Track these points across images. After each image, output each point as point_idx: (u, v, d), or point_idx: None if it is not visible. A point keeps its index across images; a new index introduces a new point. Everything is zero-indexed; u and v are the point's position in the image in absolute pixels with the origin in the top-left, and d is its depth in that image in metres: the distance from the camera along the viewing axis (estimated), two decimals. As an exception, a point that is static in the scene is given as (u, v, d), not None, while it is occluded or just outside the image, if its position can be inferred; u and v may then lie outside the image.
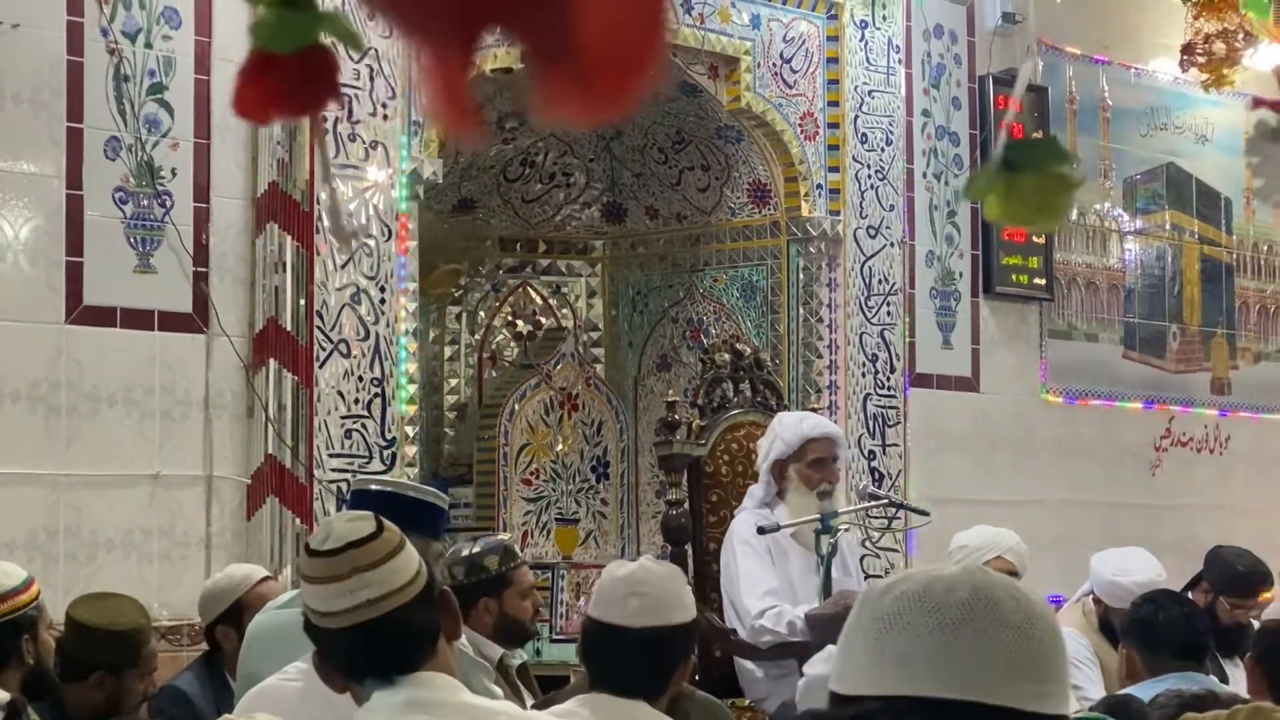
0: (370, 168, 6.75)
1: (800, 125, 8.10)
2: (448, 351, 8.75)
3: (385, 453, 6.71)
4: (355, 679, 3.01)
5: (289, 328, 6.56)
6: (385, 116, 6.80)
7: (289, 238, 6.57)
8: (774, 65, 8.01)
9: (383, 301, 6.76)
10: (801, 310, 8.13)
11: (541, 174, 8.68)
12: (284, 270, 6.57)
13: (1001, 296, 8.95)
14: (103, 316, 6.29)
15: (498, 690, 4.68)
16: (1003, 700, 1.64)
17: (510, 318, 8.85)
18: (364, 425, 6.68)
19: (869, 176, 8.23)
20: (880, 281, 8.24)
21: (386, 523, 3.05)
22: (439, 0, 1.18)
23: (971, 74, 8.84)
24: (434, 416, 8.53)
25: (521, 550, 5.93)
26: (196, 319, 6.48)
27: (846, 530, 6.33)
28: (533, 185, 8.70)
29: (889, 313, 8.27)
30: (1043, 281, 9.08)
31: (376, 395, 6.71)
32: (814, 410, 6.95)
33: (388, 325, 6.77)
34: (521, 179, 8.66)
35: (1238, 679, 5.31)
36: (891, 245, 8.29)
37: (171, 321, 6.43)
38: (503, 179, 8.63)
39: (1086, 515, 9.17)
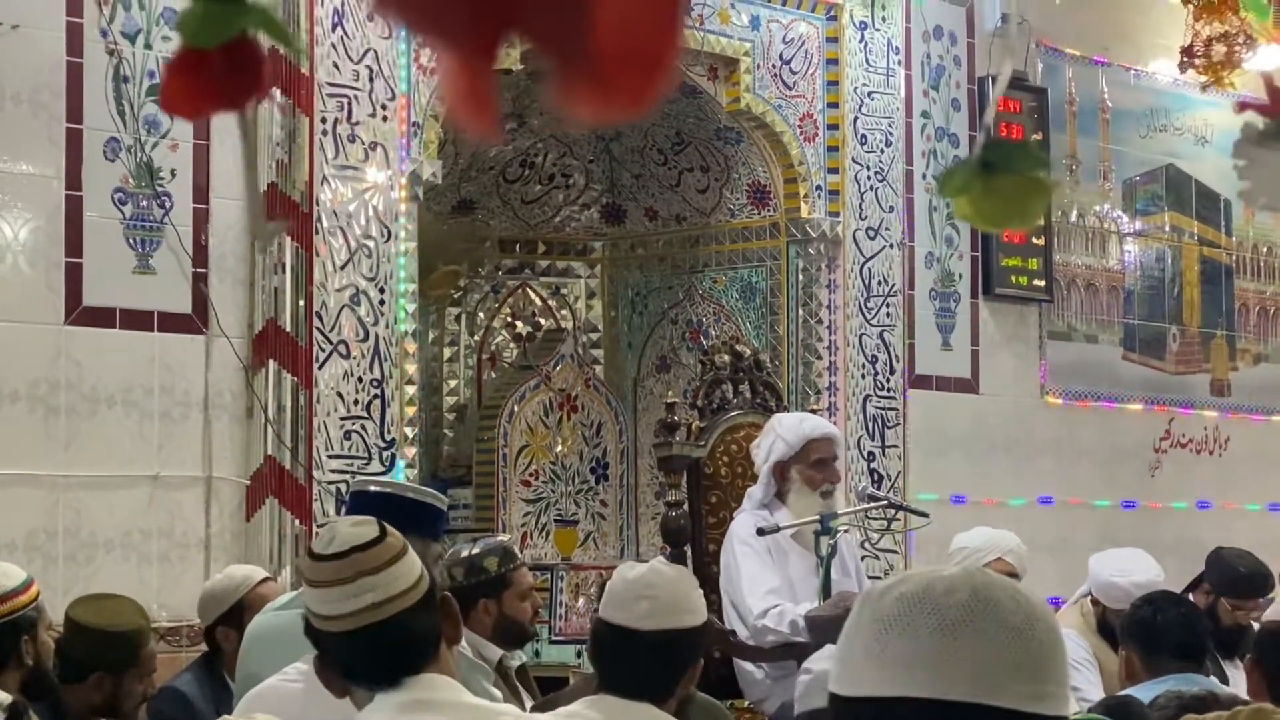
0: (370, 169, 6.75)
1: (800, 126, 8.10)
2: (447, 353, 8.75)
3: (384, 454, 6.71)
4: (357, 682, 3.02)
5: (288, 329, 6.56)
6: (385, 118, 6.80)
7: (288, 239, 6.57)
8: (773, 66, 8.01)
9: (382, 303, 6.76)
10: (801, 311, 8.13)
11: (541, 175, 8.68)
12: (283, 271, 6.57)
13: (1001, 298, 8.95)
14: (102, 317, 6.29)
15: (496, 692, 4.67)
16: (1002, 701, 1.63)
17: (510, 319, 8.85)
18: (363, 426, 6.68)
19: (868, 178, 8.23)
20: (880, 283, 8.24)
21: (389, 528, 3.06)
22: (456, 7, 1.18)
23: (971, 75, 8.84)
24: (433, 418, 8.53)
25: (521, 551, 5.93)
26: (196, 320, 6.48)
27: (846, 532, 6.33)
28: (532, 186, 8.70)
29: (888, 314, 8.27)
30: (1042, 283, 9.08)
31: (376, 396, 6.71)
32: (813, 411, 6.95)
33: (387, 326, 6.77)
34: (521, 180, 8.66)
35: (1238, 680, 5.31)
36: (891, 246, 8.29)
37: (171, 322, 6.43)
38: (502, 180, 8.63)
39: (1086, 517, 9.17)
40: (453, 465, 8.49)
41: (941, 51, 8.74)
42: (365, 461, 6.64)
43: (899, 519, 6.99)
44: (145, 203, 6.38)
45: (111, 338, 6.31)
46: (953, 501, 8.46)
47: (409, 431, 6.82)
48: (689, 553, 6.44)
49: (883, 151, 8.29)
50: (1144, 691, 4.33)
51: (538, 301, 8.88)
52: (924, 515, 6.59)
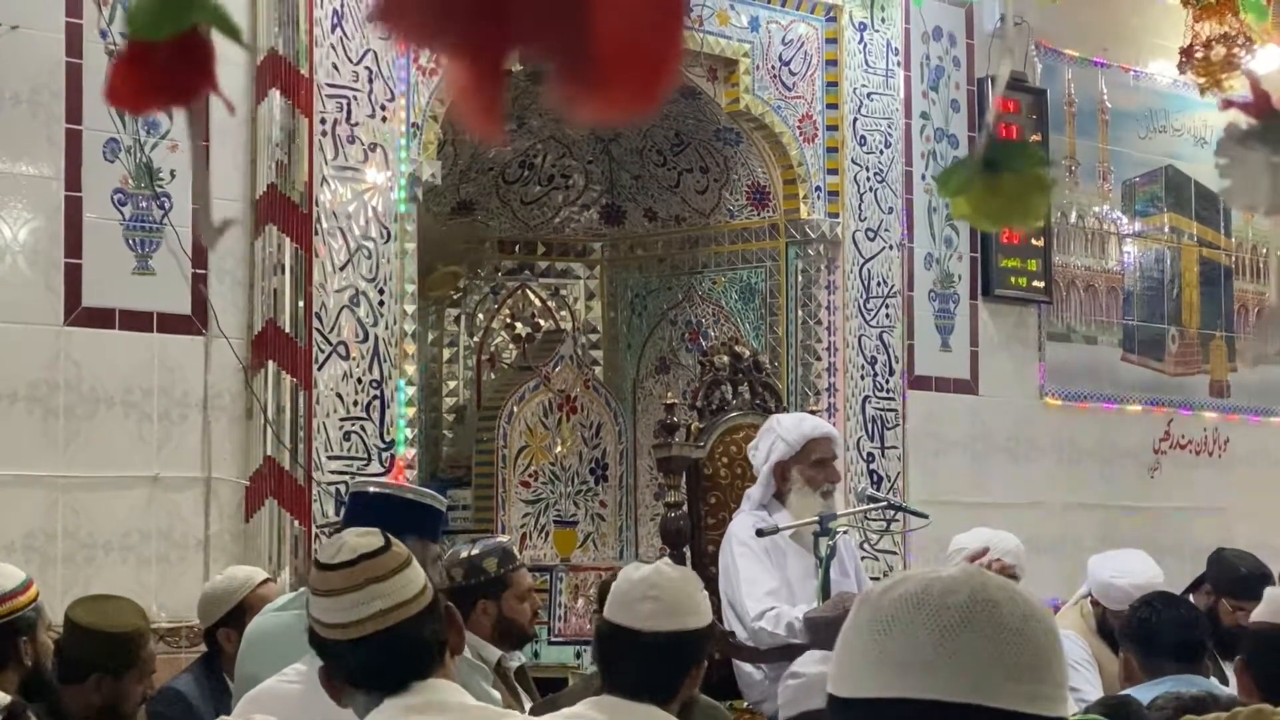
0: (369, 170, 6.75)
1: (799, 127, 8.10)
2: (446, 354, 8.75)
3: (384, 455, 6.71)
4: (364, 690, 3.05)
5: (288, 329, 6.56)
6: (384, 119, 6.80)
7: (288, 240, 6.57)
8: (773, 67, 8.01)
9: (381, 304, 6.76)
10: (800, 312, 8.13)
11: (540, 176, 8.68)
12: (283, 272, 6.57)
13: (1000, 299, 8.95)
14: (101, 318, 6.29)
15: (495, 693, 4.67)
16: (1001, 702, 1.63)
17: (509, 320, 8.85)
18: (363, 427, 6.68)
19: (868, 179, 8.24)
20: (879, 284, 8.25)
21: (393, 538, 3.14)
22: (460, 20, 1.18)
23: (970, 76, 8.85)
24: (432, 419, 8.53)
25: (520, 552, 5.93)
26: (195, 321, 6.48)
27: (845, 532, 6.33)
28: (531, 187, 8.70)
29: (888, 315, 8.27)
30: (1041, 284, 9.08)
31: (375, 397, 6.71)
32: (812, 412, 6.95)
33: (386, 327, 6.77)
34: (520, 181, 8.66)
35: (1237, 682, 5.31)
36: (890, 248, 8.30)
37: (170, 323, 6.43)
38: (501, 181, 8.63)
39: (1085, 518, 9.17)
40: (452, 466, 8.50)
41: (941, 52, 8.74)
42: (365, 462, 6.64)
43: (898, 520, 7.00)
44: (145, 203, 6.38)
45: (111, 338, 6.30)
46: (952, 502, 8.45)
47: (408, 432, 6.82)
48: (688, 554, 6.44)
49: (882, 152, 8.30)
50: (1143, 693, 4.33)
51: (537, 302, 8.88)
52: (923, 516, 6.59)
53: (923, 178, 8.61)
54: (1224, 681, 5.38)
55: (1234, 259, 10.28)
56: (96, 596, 5.21)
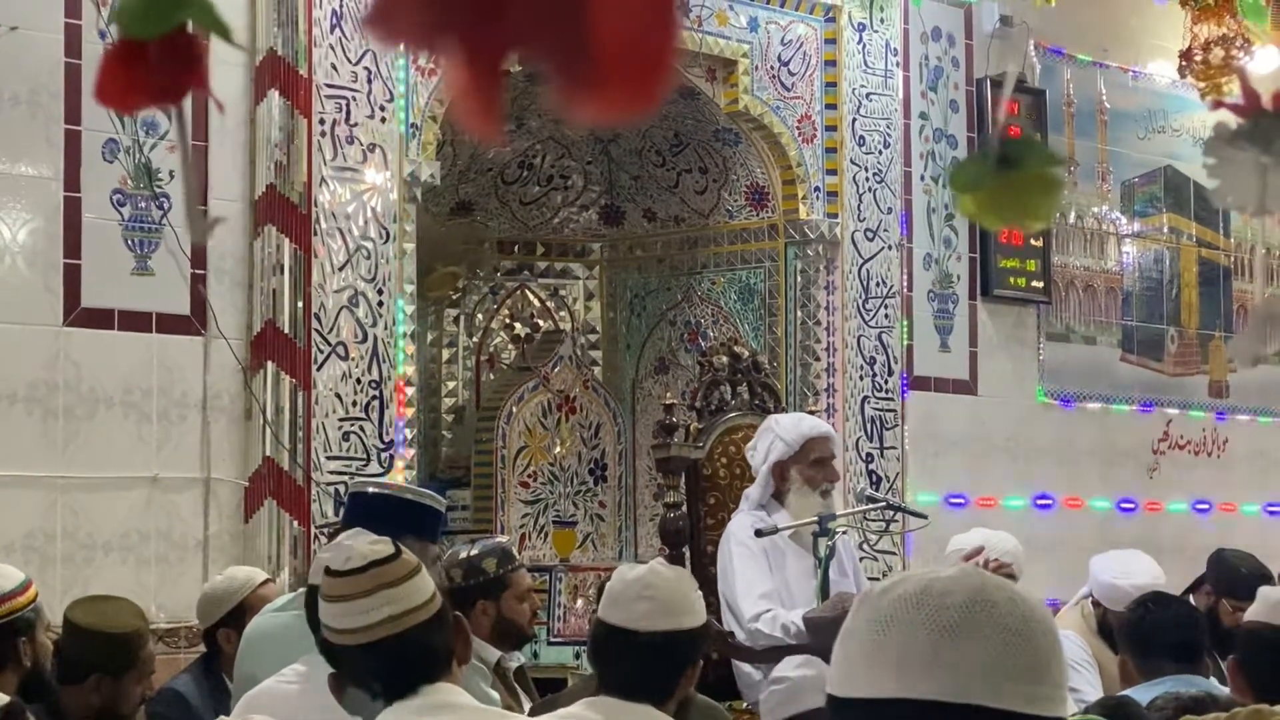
0: (368, 170, 6.75)
1: (798, 128, 8.10)
2: (445, 354, 8.75)
3: (383, 455, 6.71)
4: (373, 695, 3.11)
5: (287, 330, 6.56)
6: (383, 119, 6.80)
7: (287, 240, 6.57)
8: (772, 68, 8.01)
9: (380, 304, 6.76)
10: (799, 313, 8.13)
11: (539, 176, 8.68)
12: (282, 272, 6.57)
13: (999, 299, 8.95)
14: (100, 319, 6.28)
15: (494, 694, 4.67)
16: (1000, 703, 1.63)
17: (508, 320, 8.85)
18: (362, 428, 6.68)
19: (867, 179, 8.23)
20: (878, 284, 8.25)
21: (403, 547, 3.21)
22: (457, 21, 1.18)
23: (969, 77, 8.85)
24: (431, 419, 8.53)
25: (519, 553, 5.93)
26: (194, 321, 6.48)
27: (844, 533, 6.33)
28: (530, 188, 8.70)
29: (887, 315, 8.27)
30: (1040, 284, 9.08)
31: (374, 398, 6.71)
32: (811, 412, 6.96)
33: (385, 328, 6.77)
34: (519, 181, 8.66)
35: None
36: (889, 248, 8.30)
37: (169, 324, 6.43)
38: (500, 181, 8.63)
39: (1084, 518, 9.17)
40: (451, 466, 8.49)
41: (940, 53, 8.74)
42: (364, 463, 6.64)
43: (897, 520, 6.99)
44: (144, 204, 6.38)
45: (110, 339, 6.30)
46: (951, 503, 8.45)
47: (407, 433, 6.82)
48: (687, 554, 6.44)
49: (881, 153, 8.30)
50: (1142, 693, 4.33)
51: (536, 303, 8.88)
52: (922, 516, 6.59)
53: (921, 178, 8.61)
54: (1224, 682, 5.38)
55: (1233, 259, 10.28)
56: (95, 597, 5.21)
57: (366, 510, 4.80)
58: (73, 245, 6.23)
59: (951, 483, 8.57)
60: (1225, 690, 4.46)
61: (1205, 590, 6.39)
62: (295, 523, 6.47)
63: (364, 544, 3.21)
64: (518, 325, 8.84)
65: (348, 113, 6.70)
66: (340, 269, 6.67)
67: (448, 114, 6.89)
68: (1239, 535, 8.69)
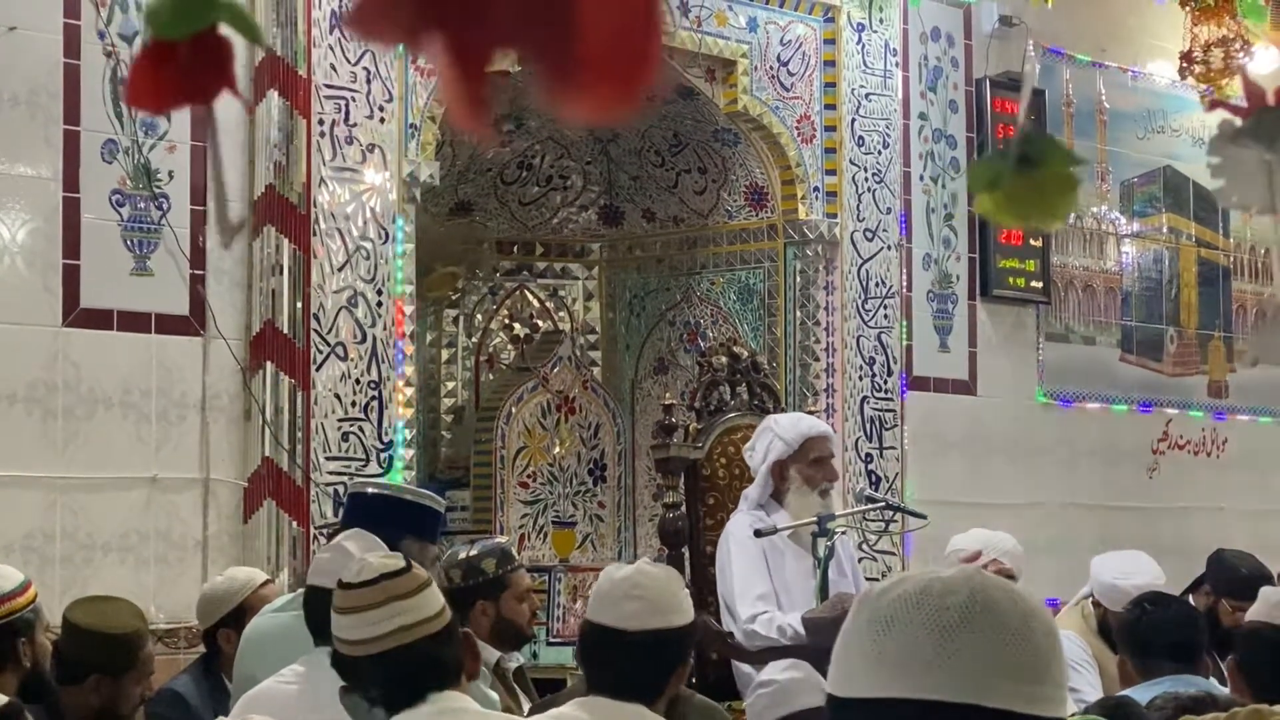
0: (367, 170, 6.75)
1: (797, 128, 8.10)
2: (445, 354, 8.74)
3: (382, 455, 6.71)
4: (384, 706, 3.19)
5: (286, 330, 6.56)
6: (382, 119, 6.80)
7: (286, 240, 6.56)
8: (771, 68, 8.01)
9: (380, 304, 6.76)
10: (799, 313, 8.13)
11: (539, 177, 8.68)
12: (281, 273, 6.57)
13: (998, 299, 8.95)
14: (100, 319, 6.28)
15: (494, 695, 4.67)
16: (999, 703, 1.63)
17: (507, 321, 8.85)
18: (361, 428, 6.68)
19: (866, 179, 8.23)
20: (877, 284, 8.25)
21: (414, 562, 3.33)
22: (441, 20, 1.19)
23: (969, 77, 8.85)
24: (431, 419, 8.53)
25: (518, 553, 5.93)
26: (193, 322, 6.48)
27: (844, 533, 6.33)
28: (530, 188, 8.70)
29: (886, 316, 8.27)
30: (1040, 284, 9.08)
31: (373, 398, 6.71)
32: (810, 413, 6.96)
33: (385, 328, 6.77)
34: (519, 182, 8.66)
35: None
36: (889, 248, 8.30)
37: (168, 324, 6.43)
38: (500, 182, 8.63)
39: (1083, 518, 9.17)
40: (450, 467, 8.49)
41: (939, 53, 8.74)
42: (363, 463, 6.64)
43: (896, 520, 6.99)
44: (143, 204, 6.38)
45: (109, 339, 6.30)
46: (950, 503, 8.45)
47: (407, 433, 6.82)
48: (686, 554, 6.44)
49: (880, 153, 8.30)
50: (1141, 693, 4.33)
51: (535, 303, 8.88)
52: (921, 517, 6.59)
53: (921, 178, 8.62)
54: (1224, 683, 5.38)
55: (1232, 259, 10.28)
56: (95, 597, 5.21)
57: (366, 511, 4.80)
58: (72, 246, 6.23)
59: (951, 483, 8.57)
60: (1224, 690, 4.46)
61: (1204, 590, 6.39)
62: (294, 523, 6.47)
63: (375, 558, 3.33)
64: (517, 325, 8.84)
65: (347, 113, 6.70)
66: (339, 269, 6.67)
67: (446, 114, 6.88)
68: (1239, 535, 8.68)
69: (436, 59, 1.20)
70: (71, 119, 6.23)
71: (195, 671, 5.43)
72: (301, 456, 6.51)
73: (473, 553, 5.13)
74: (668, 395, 7.30)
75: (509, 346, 8.81)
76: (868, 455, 8.16)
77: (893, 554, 7.98)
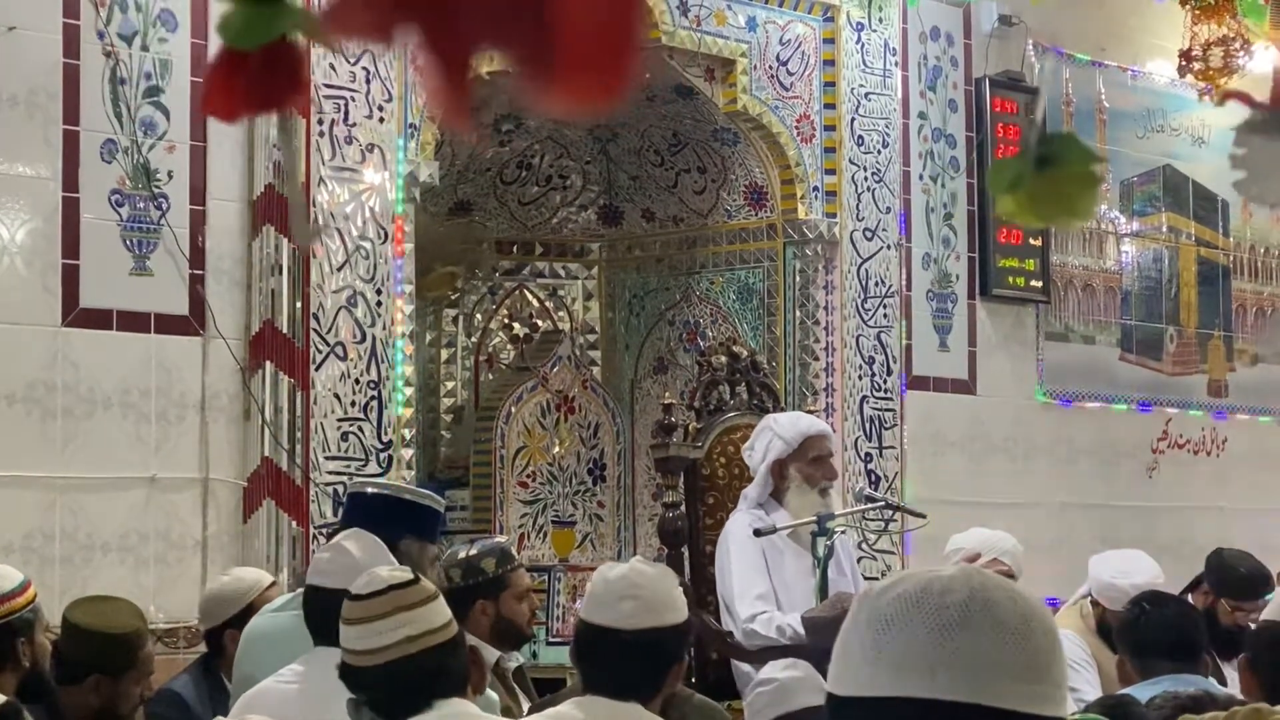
0: (366, 170, 6.75)
1: (796, 127, 8.09)
2: (444, 354, 8.74)
3: (382, 455, 6.71)
4: (386, 717, 3.23)
5: (285, 330, 6.56)
6: (381, 119, 6.79)
7: (285, 240, 6.56)
8: (770, 68, 8.01)
9: (379, 304, 6.76)
10: (798, 313, 8.13)
11: (538, 176, 8.68)
12: (280, 273, 6.57)
13: (998, 299, 8.95)
14: (99, 319, 6.28)
15: (493, 695, 4.67)
16: (999, 702, 1.63)
17: (507, 320, 8.85)
18: (360, 428, 6.68)
19: (865, 179, 8.23)
20: (877, 284, 8.25)
21: (422, 576, 3.42)
22: (420, 19, 1.19)
23: (968, 76, 8.85)
24: (430, 419, 8.53)
25: (518, 553, 5.93)
26: (193, 321, 6.48)
27: (843, 532, 6.33)
28: (529, 188, 8.70)
29: (886, 315, 8.27)
30: (1039, 284, 9.08)
31: (373, 398, 6.71)
32: (810, 412, 6.96)
33: (384, 328, 6.77)
34: (518, 181, 8.66)
35: (1236, 682, 5.30)
36: (888, 247, 8.29)
37: (168, 324, 6.43)
38: (499, 181, 8.63)
39: (1083, 518, 9.17)
40: (450, 466, 8.49)
41: (938, 52, 8.74)
42: (362, 463, 6.64)
43: (896, 520, 6.99)
44: (142, 204, 6.38)
45: (108, 339, 6.30)
46: (949, 503, 8.45)
47: (406, 433, 6.82)
48: (686, 554, 6.44)
49: (880, 152, 8.30)
50: (1140, 692, 4.32)
51: (535, 303, 8.88)
52: (921, 516, 6.58)
53: (920, 177, 8.61)
54: (1223, 682, 5.37)
55: (1232, 258, 10.28)
56: (94, 597, 5.21)
57: (365, 510, 4.80)
58: (71, 245, 6.23)
59: (950, 482, 8.57)
60: (1223, 689, 4.46)
61: (1203, 590, 6.39)
62: (294, 523, 6.47)
63: (384, 570, 3.40)
64: (516, 325, 8.84)
65: (346, 113, 6.70)
66: (339, 269, 6.67)
67: (426, 108, 6.88)
68: (1238, 535, 8.68)
69: (415, 55, 1.21)
70: (71, 119, 6.23)
71: (195, 671, 5.43)
72: (301, 456, 6.51)
73: (472, 552, 5.13)
74: (667, 395, 7.29)
75: (508, 346, 8.81)
76: (867, 455, 8.15)
77: (892, 553, 7.98)
